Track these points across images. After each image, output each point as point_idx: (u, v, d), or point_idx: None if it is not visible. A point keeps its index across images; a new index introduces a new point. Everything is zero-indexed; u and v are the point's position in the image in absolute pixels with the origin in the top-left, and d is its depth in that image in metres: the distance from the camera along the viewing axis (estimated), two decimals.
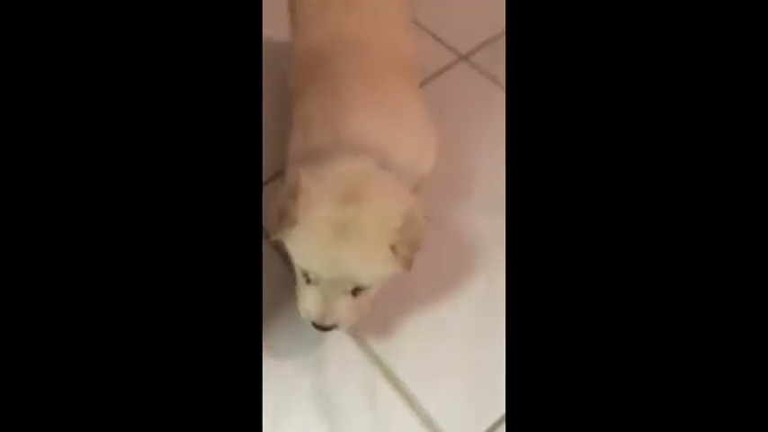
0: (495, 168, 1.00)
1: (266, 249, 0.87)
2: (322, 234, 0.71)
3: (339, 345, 0.87)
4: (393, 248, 0.72)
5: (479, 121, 1.08)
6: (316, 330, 0.78)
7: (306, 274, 0.76)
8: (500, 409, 0.79)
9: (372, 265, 0.73)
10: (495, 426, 0.79)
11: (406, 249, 0.73)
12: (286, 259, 0.81)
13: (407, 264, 0.74)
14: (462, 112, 1.09)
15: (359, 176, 0.74)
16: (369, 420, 0.81)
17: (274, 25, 0.97)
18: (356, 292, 0.76)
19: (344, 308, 0.76)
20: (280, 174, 0.93)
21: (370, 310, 0.80)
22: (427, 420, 0.81)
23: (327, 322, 0.76)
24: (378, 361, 0.86)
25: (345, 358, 0.86)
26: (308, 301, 0.77)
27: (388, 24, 0.90)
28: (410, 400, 0.82)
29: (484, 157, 1.04)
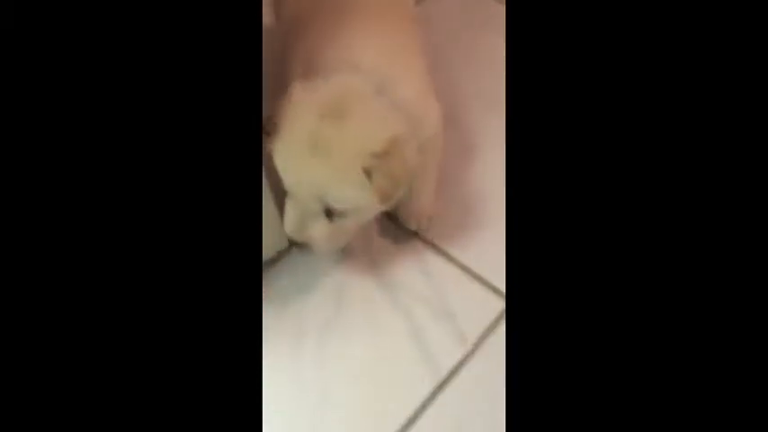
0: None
1: None
2: (299, 147, 0.71)
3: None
4: (367, 173, 0.70)
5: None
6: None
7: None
8: None
9: (340, 186, 0.71)
10: None
11: (384, 179, 0.71)
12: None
13: (384, 195, 0.72)
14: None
15: (352, 93, 0.72)
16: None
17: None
18: (332, 216, 0.75)
19: (317, 229, 0.75)
20: None
21: (346, 240, 0.80)
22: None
23: (298, 238, 0.76)
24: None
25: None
26: (285, 214, 0.77)
27: None
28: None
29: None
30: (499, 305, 0.84)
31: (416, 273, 0.88)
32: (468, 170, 0.98)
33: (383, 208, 0.77)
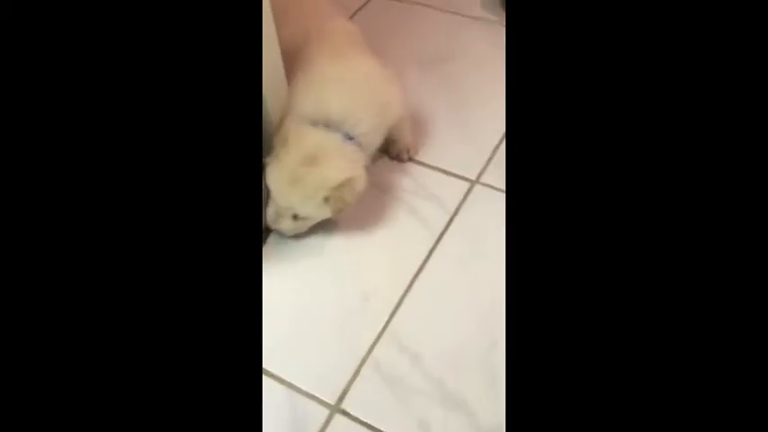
0: None
1: None
2: (280, 178, 1.06)
3: None
4: (326, 200, 1.05)
5: None
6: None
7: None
8: None
9: (307, 206, 1.07)
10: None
11: (337, 202, 1.05)
12: None
13: (336, 212, 1.07)
14: None
15: (325, 146, 1.06)
16: None
17: None
18: (296, 218, 1.10)
19: (287, 224, 1.10)
20: None
21: (305, 229, 1.13)
22: None
23: (273, 227, 1.11)
24: None
25: None
26: (267, 210, 1.11)
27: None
28: None
29: None
30: (466, 186, 1.20)
31: (405, 178, 1.24)
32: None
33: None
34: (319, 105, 1.09)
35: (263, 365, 0.97)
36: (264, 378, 0.97)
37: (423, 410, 0.92)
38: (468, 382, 0.94)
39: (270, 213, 1.11)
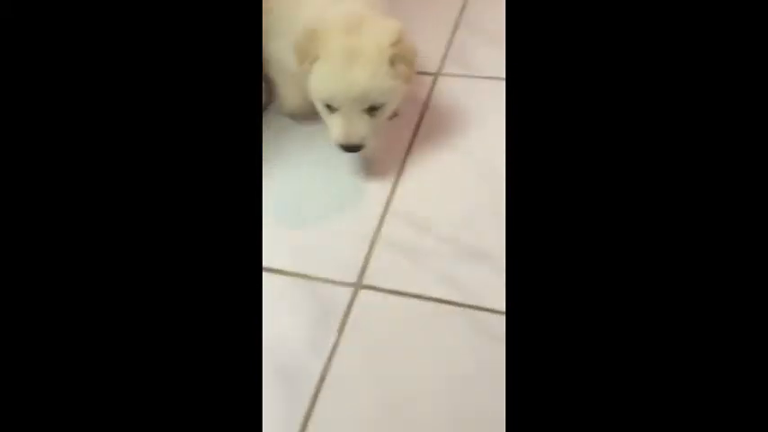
0: None
1: None
2: (338, 61, 0.91)
3: None
4: (391, 62, 0.92)
5: None
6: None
7: (329, 106, 0.95)
8: None
9: (378, 80, 0.92)
10: None
11: (403, 63, 0.93)
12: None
13: (407, 77, 0.94)
14: None
15: (356, 14, 0.94)
16: None
17: None
18: (372, 112, 0.95)
19: (364, 126, 0.95)
20: None
21: (381, 130, 0.99)
22: None
23: (353, 140, 0.95)
24: None
25: None
26: (335, 128, 0.96)
27: None
28: None
29: None
30: (430, 79, 1.22)
31: None
32: None
33: (403, 94, 0.99)
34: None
35: (280, 266, 0.96)
36: (283, 277, 0.95)
37: (444, 267, 0.92)
38: (482, 235, 0.95)
39: (343, 127, 0.95)
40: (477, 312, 0.86)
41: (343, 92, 0.93)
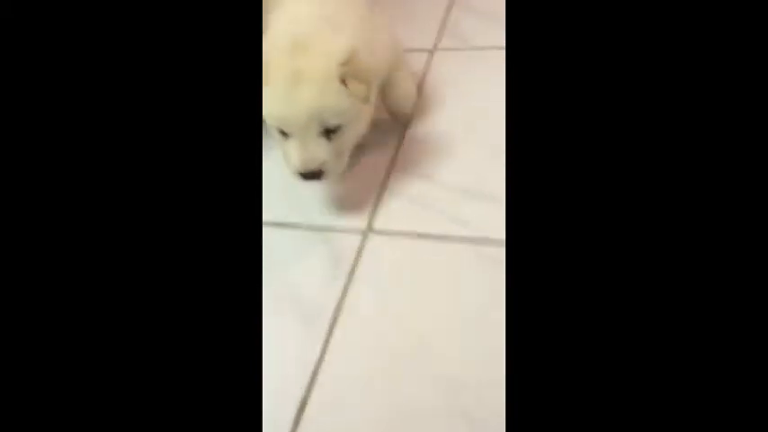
0: None
1: None
2: (283, 84, 0.85)
3: None
4: (343, 81, 0.85)
5: None
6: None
7: (283, 132, 0.88)
8: None
9: (327, 100, 0.85)
10: None
11: (356, 82, 0.85)
12: None
13: (361, 95, 0.86)
14: None
15: (305, 34, 0.87)
16: None
17: None
18: (329, 135, 0.88)
19: (322, 151, 0.87)
20: None
21: (347, 158, 0.92)
22: None
23: (310, 165, 0.87)
24: None
25: None
26: (291, 155, 0.88)
27: None
28: None
29: None
30: (425, 55, 1.27)
31: None
32: None
33: (367, 117, 0.93)
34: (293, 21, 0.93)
35: (292, 220, 1.00)
36: (295, 231, 0.99)
37: (451, 209, 0.95)
38: (487, 180, 0.98)
39: (298, 154, 0.88)
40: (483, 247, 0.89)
41: (291, 115, 0.86)
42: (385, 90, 1.05)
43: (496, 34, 1.22)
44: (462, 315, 0.82)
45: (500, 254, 0.87)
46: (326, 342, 0.83)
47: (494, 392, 0.72)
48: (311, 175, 0.89)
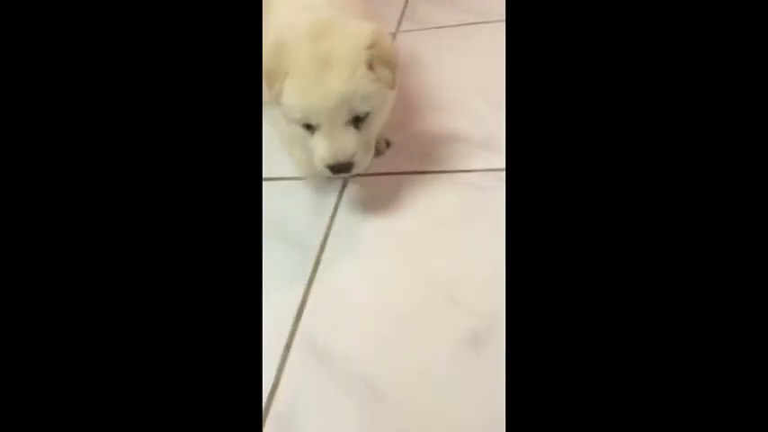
0: None
1: None
2: (310, 71, 0.80)
3: None
4: (370, 66, 0.82)
5: None
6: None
7: (308, 126, 0.84)
8: None
9: (357, 84, 0.81)
10: None
11: (383, 66, 0.82)
12: None
13: (389, 82, 0.83)
14: None
15: (325, 19, 0.85)
16: None
17: None
18: (358, 124, 0.84)
19: (352, 141, 0.83)
20: None
21: (372, 149, 0.88)
22: None
23: (341, 157, 0.83)
24: None
25: None
26: (319, 148, 0.84)
27: None
28: None
29: None
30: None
31: None
32: None
33: (390, 105, 0.90)
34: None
35: (280, 174, 1.08)
36: (284, 182, 1.08)
37: (424, 149, 1.06)
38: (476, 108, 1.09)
39: (322, 148, 0.84)
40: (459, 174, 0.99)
41: (320, 102, 0.81)
42: None
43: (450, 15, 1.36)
44: (436, 221, 0.91)
45: (476, 180, 0.97)
46: (316, 264, 0.91)
47: (486, 284, 0.81)
48: (341, 167, 0.85)
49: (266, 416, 0.75)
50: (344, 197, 1.01)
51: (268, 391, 0.77)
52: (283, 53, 0.82)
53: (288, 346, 0.82)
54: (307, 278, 0.90)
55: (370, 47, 0.82)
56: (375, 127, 0.88)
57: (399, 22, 1.42)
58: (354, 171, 0.87)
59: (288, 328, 0.84)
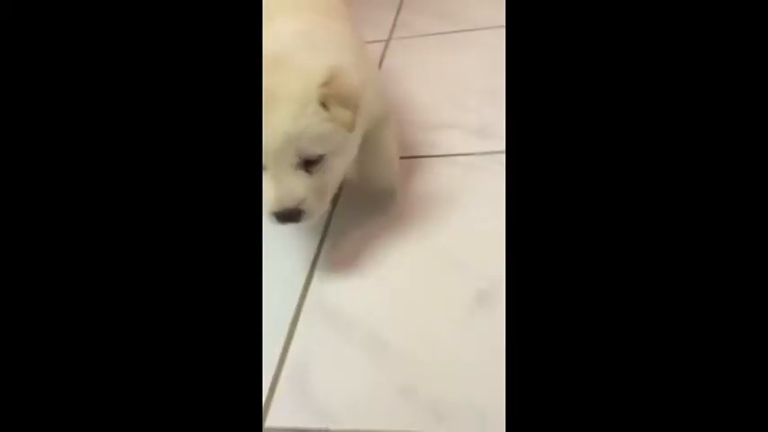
0: None
1: None
2: None
3: None
4: (323, 105, 0.73)
5: None
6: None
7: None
8: None
9: (304, 124, 0.72)
10: None
11: (338, 106, 0.73)
12: None
13: (345, 122, 0.74)
14: None
15: (278, 50, 0.76)
16: None
17: None
18: (309, 167, 0.76)
19: (300, 186, 0.75)
20: None
21: (330, 195, 0.80)
22: None
23: (287, 203, 0.75)
24: None
25: None
26: (265, 191, 0.75)
27: None
28: None
29: None
30: (382, 45, 1.45)
31: None
32: None
33: (353, 148, 0.82)
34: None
35: None
36: None
37: (421, 135, 1.11)
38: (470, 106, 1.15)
39: (274, 189, 0.75)
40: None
41: (265, 142, 0.73)
42: (360, 153, 0.86)
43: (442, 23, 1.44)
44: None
45: (475, 161, 1.02)
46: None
47: (489, 248, 0.86)
48: (287, 215, 0.76)
49: (280, 370, 0.78)
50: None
51: (280, 350, 0.81)
52: None
53: (299, 307, 0.85)
54: (315, 248, 0.94)
55: (325, 84, 0.74)
56: (333, 171, 0.79)
57: (392, 30, 1.49)
58: (304, 219, 0.77)
59: (298, 293, 0.87)
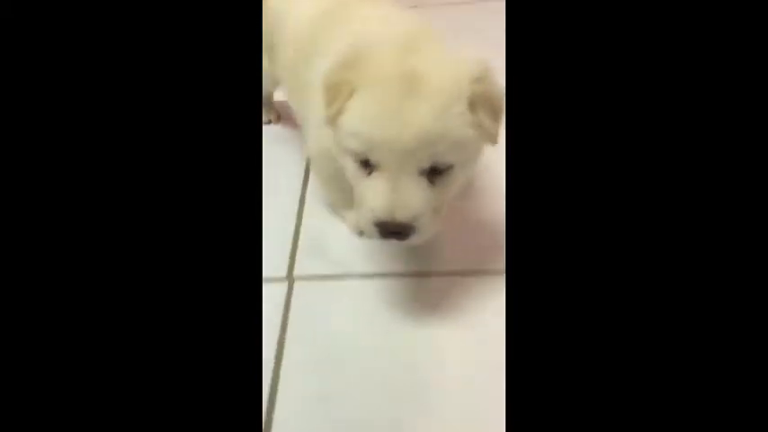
0: None
1: None
2: (390, 90, 0.59)
3: None
4: (472, 105, 0.60)
5: None
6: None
7: (366, 163, 0.63)
8: None
9: (449, 124, 0.59)
10: None
11: (487, 112, 0.61)
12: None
13: (491, 134, 0.62)
14: None
15: (414, 30, 0.65)
16: None
17: None
18: (434, 177, 0.62)
19: (419, 197, 0.61)
20: None
21: (444, 212, 0.66)
22: None
23: (400, 216, 0.61)
24: None
25: None
26: (372, 194, 0.62)
27: None
28: None
29: None
30: None
31: None
32: None
33: (479, 164, 0.68)
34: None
35: None
36: None
37: None
38: None
39: (377, 196, 0.62)
40: None
41: (392, 136, 0.59)
42: None
43: None
44: None
45: None
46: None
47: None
48: (396, 229, 0.62)
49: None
50: None
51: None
52: (358, 63, 0.62)
53: (295, 241, 0.90)
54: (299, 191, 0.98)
55: (477, 81, 0.61)
56: (454, 187, 0.66)
57: None
58: (413, 241, 0.64)
59: (292, 228, 0.92)
